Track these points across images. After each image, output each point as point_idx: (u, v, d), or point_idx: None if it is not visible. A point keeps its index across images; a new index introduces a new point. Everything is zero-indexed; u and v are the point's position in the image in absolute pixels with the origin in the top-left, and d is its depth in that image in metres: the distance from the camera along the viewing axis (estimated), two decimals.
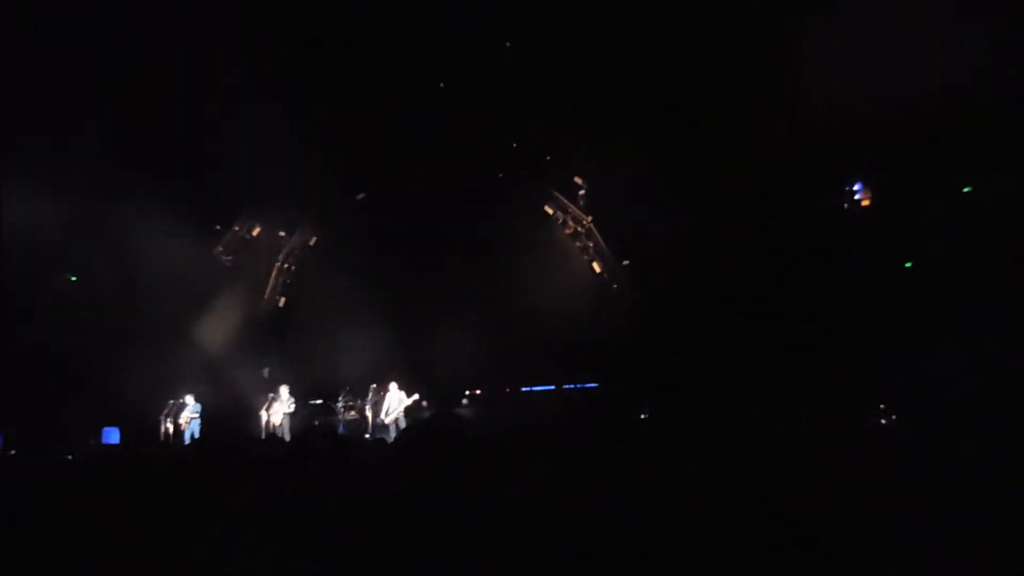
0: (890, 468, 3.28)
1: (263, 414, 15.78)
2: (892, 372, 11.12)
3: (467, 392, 16.20)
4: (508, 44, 14.46)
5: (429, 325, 15.37)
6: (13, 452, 13.34)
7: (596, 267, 16.11)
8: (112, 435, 15.30)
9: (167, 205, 14.36)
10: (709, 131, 13.38)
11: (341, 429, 15.27)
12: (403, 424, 14.86)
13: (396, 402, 15.16)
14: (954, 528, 2.55)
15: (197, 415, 15.51)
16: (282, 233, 17.65)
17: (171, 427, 15.44)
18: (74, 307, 15.12)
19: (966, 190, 12.72)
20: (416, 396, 15.43)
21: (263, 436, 14.09)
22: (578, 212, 16.30)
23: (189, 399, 15.66)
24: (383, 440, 13.29)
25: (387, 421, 15.17)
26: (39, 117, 13.74)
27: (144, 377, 14.87)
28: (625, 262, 15.96)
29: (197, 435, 14.99)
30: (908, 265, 13.23)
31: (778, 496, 2.84)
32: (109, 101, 13.93)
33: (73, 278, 16.77)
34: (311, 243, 17.62)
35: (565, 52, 13.85)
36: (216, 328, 16.21)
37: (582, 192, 16.14)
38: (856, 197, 13.75)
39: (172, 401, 15.62)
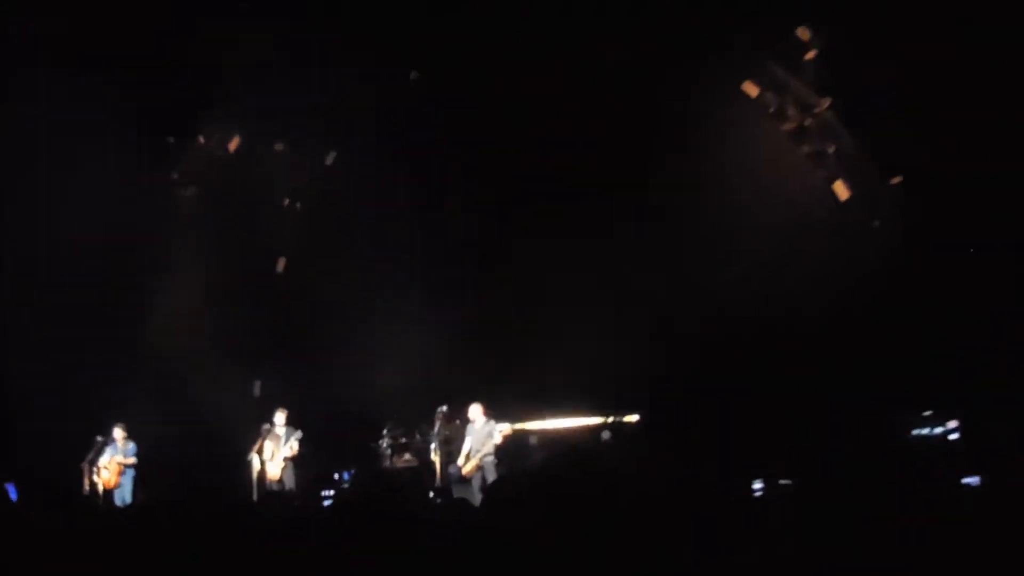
0: None
1: (253, 458, 11.66)
2: None
3: (610, 416, 12.44)
4: None
5: (537, 306, 12.22)
6: None
7: (840, 189, 11.52)
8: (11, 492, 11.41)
9: (90, 104, 10.66)
10: None
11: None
12: (492, 473, 11.45)
13: (482, 437, 11.72)
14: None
15: (132, 461, 11.76)
16: (279, 146, 12.40)
17: (96, 479, 11.79)
18: None
19: None
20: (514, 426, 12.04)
21: (255, 497, 11.35)
22: (804, 90, 11.28)
23: (118, 433, 11.67)
24: (464, 502, 9.46)
25: (466, 470, 11.65)
26: None
27: (58, 400, 11.45)
28: (895, 180, 11.09)
29: (128, 497, 11.79)
30: None
31: None
32: None
33: None
34: (328, 163, 12.75)
35: None
36: (171, 314, 12.07)
37: (811, 55, 11.01)
38: None
39: (99, 438, 11.42)
